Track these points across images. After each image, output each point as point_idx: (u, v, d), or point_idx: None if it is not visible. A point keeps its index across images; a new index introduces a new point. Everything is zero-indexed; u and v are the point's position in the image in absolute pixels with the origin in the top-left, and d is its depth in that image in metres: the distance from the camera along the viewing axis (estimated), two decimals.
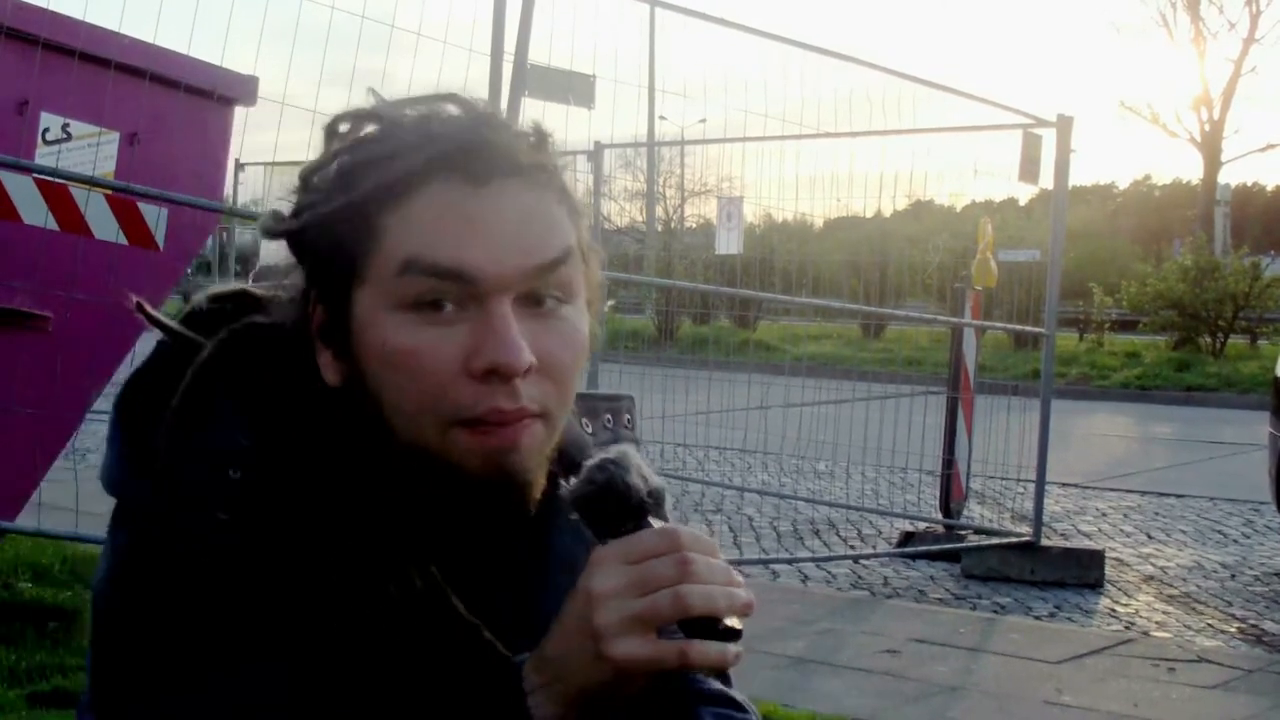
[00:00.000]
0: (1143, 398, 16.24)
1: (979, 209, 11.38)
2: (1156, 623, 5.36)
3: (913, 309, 10.91)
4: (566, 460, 1.02)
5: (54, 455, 4.34)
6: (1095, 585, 5.95)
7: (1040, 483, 6.15)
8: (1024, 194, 12.43)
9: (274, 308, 1.06)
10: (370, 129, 1.01)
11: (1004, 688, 4.19)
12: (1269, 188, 58.79)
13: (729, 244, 8.75)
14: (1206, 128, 37.19)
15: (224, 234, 10.46)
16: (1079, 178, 61.28)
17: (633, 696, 0.93)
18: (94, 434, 8.59)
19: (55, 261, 4.03)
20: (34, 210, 4.03)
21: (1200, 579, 6.19)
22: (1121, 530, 7.39)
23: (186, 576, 0.96)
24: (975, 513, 7.33)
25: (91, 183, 4.08)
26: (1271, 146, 41.44)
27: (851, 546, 6.75)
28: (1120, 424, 14.05)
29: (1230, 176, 44.04)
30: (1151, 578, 6.21)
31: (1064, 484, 8.73)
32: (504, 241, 0.96)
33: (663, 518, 0.96)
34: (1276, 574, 6.35)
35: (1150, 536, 7.22)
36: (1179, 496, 8.54)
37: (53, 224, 4.06)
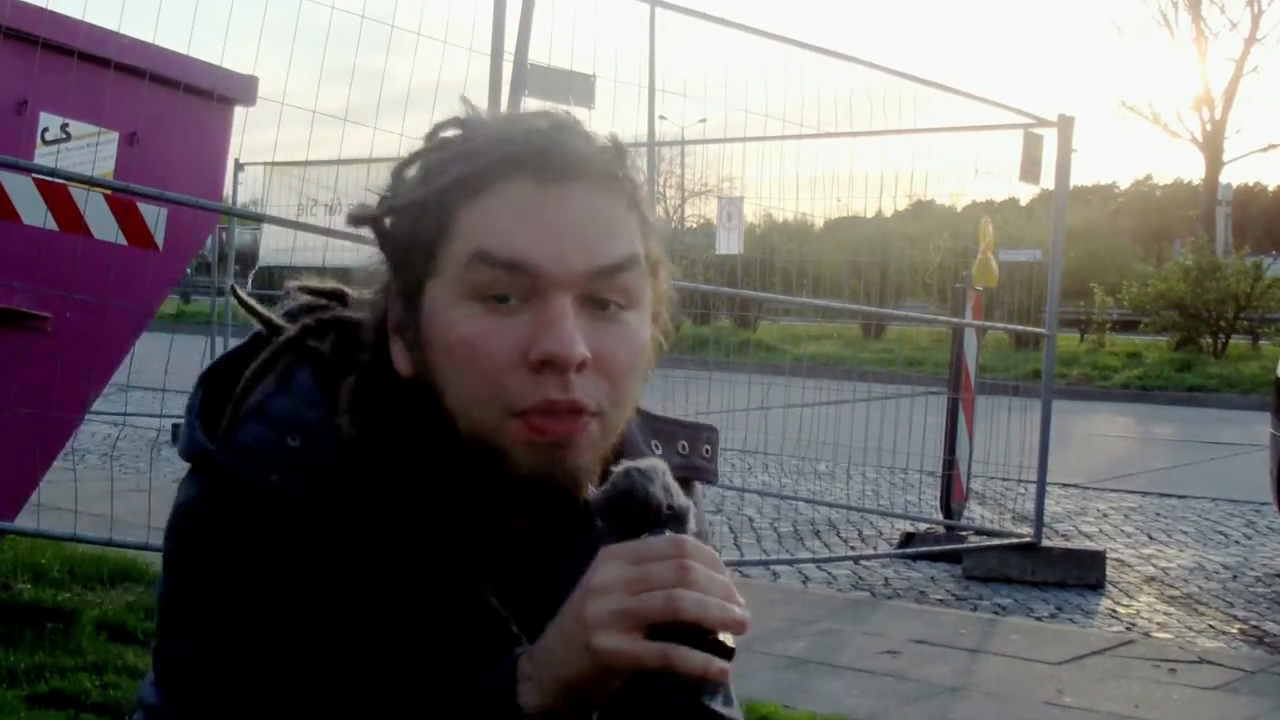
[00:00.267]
0: (1144, 398, 16.24)
1: (980, 209, 11.36)
2: (1158, 624, 5.36)
3: (913, 309, 10.91)
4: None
5: (53, 456, 4.33)
6: (1096, 586, 5.94)
7: (1041, 483, 6.14)
8: (1025, 194, 12.45)
9: (358, 305, 1.13)
10: (457, 132, 1.07)
11: (1005, 689, 4.19)
12: (1270, 188, 58.84)
13: (729, 244, 8.74)
14: (1208, 127, 37.19)
15: (223, 234, 10.45)
16: (1080, 178, 61.20)
17: (616, 694, 0.94)
18: (93, 434, 8.59)
19: (54, 261, 4.03)
20: (33, 210, 4.02)
21: (1201, 580, 6.18)
22: (1122, 531, 7.38)
23: (238, 530, 1.01)
24: (976, 513, 7.32)
25: (91, 183, 4.08)
26: (1273, 146, 41.34)
27: (852, 547, 6.75)
28: (1121, 424, 14.05)
29: (1232, 176, 44.09)
30: (1153, 579, 6.20)
31: (1065, 485, 8.73)
32: (568, 240, 1.00)
33: (683, 534, 0.96)
34: (1278, 575, 6.34)
35: (1151, 537, 7.21)
36: (1180, 497, 8.53)
37: (52, 224, 4.05)
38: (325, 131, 24.59)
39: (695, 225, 20.49)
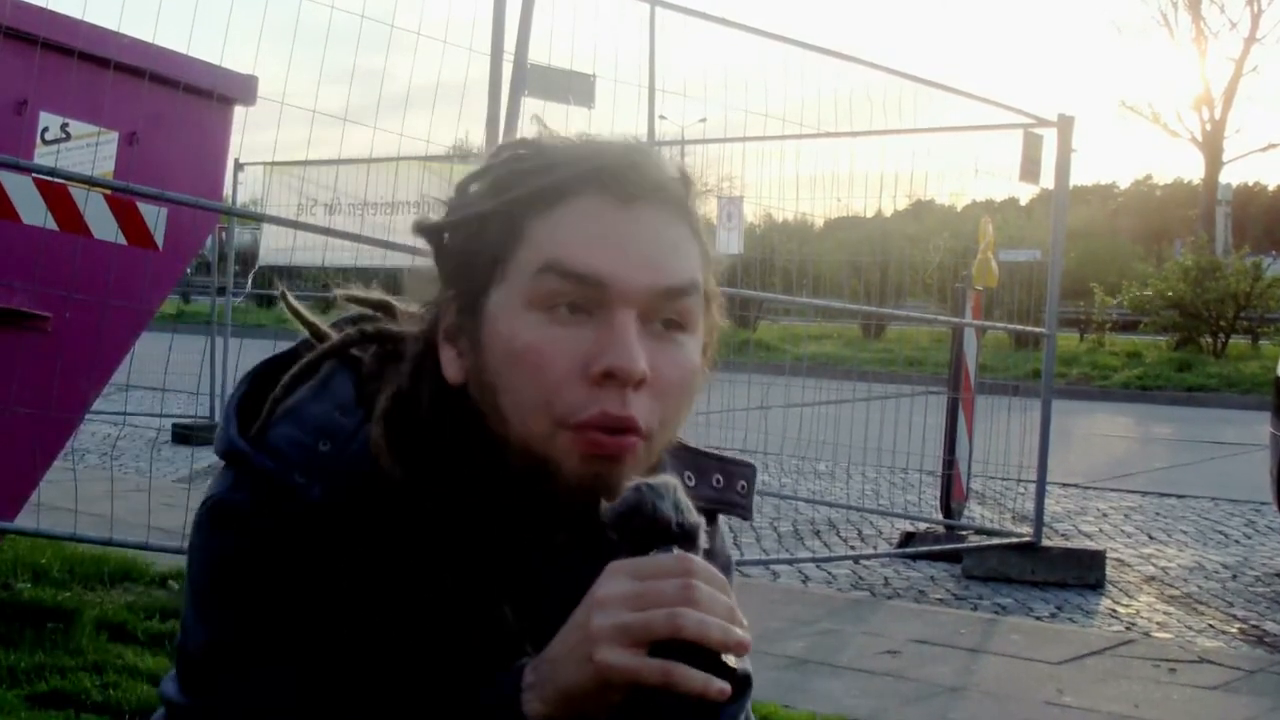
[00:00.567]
0: (1144, 398, 16.24)
1: (980, 209, 11.37)
2: (1157, 623, 5.35)
3: (913, 309, 10.90)
4: None
5: (53, 456, 4.33)
6: (1096, 586, 5.94)
7: (1041, 483, 6.14)
8: (1025, 194, 12.43)
9: (404, 318, 1.15)
10: (527, 151, 1.09)
11: (1005, 688, 4.18)
12: (1270, 187, 58.86)
13: (729, 244, 8.73)
14: (1208, 127, 37.21)
15: (223, 234, 10.45)
16: (1080, 177, 61.26)
17: (616, 708, 0.94)
18: (93, 434, 8.59)
19: (54, 261, 4.02)
20: (33, 210, 4.02)
21: (1201, 579, 6.18)
22: (1122, 531, 7.38)
23: (252, 529, 1.02)
24: (976, 513, 7.32)
25: (91, 182, 4.08)
26: (1273, 146, 41.49)
27: (852, 547, 6.75)
28: (1121, 424, 14.05)
29: (1231, 176, 44.11)
30: (1152, 578, 6.20)
31: (1065, 484, 8.73)
32: (638, 258, 1.02)
33: (693, 553, 0.97)
34: (1278, 574, 6.34)
35: (1151, 537, 7.21)
36: (1180, 497, 8.53)
37: (52, 224, 4.05)
38: (325, 131, 24.59)
39: None
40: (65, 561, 4.69)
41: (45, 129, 4.05)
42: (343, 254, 7.36)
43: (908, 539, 6.64)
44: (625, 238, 1.02)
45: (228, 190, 8.77)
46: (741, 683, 0.98)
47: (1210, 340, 19.88)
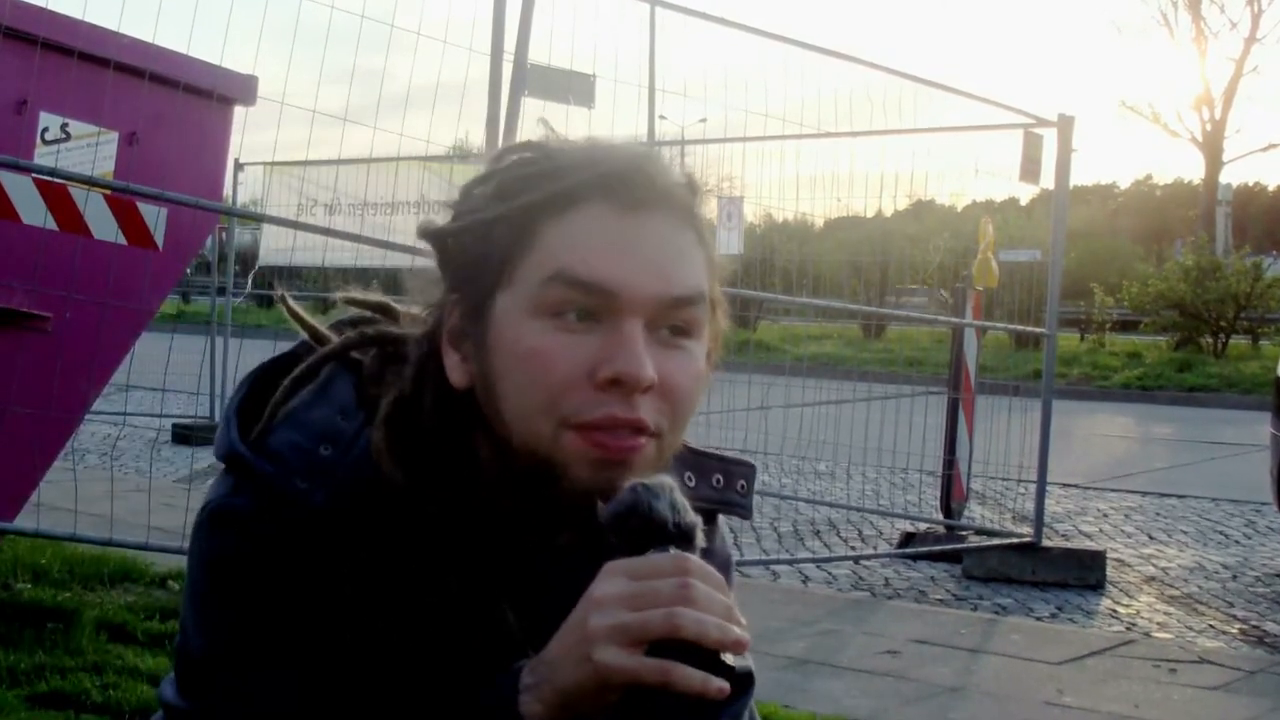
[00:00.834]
0: (1144, 398, 16.23)
1: (980, 209, 11.38)
2: (1158, 624, 5.35)
3: (913, 308, 10.90)
4: None
5: (53, 456, 4.33)
6: (1096, 586, 5.94)
7: (1041, 483, 6.14)
8: (1025, 194, 12.45)
9: (405, 321, 1.14)
10: (533, 155, 1.08)
11: (1005, 689, 4.18)
12: (1270, 187, 58.87)
13: (729, 244, 8.73)
14: (1208, 127, 37.22)
15: (223, 234, 10.45)
16: (1080, 177, 61.27)
17: (614, 709, 0.94)
18: (93, 434, 8.59)
19: (54, 261, 4.02)
20: (33, 210, 4.02)
21: (1202, 580, 6.18)
22: (1123, 531, 7.38)
23: (252, 534, 1.02)
24: (976, 513, 7.32)
25: (90, 183, 4.07)
26: (1273, 146, 41.49)
27: (852, 547, 6.74)
28: (1121, 424, 14.05)
29: (1232, 176, 44.13)
30: (1153, 578, 6.20)
31: (1065, 484, 8.72)
32: (647, 266, 1.02)
33: (690, 552, 0.97)
34: (1278, 575, 6.33)
35: (1151, 537, 7.21)
36: (1180, 497, 8.53)
37: (52, 224, 4.05)
38: (325, 131, 24.59)
39: None
40: (65, 562, 4.69)
41: (45, 129, 4.04)
42: (343, 254, 7.36)
43: (908, 539, 6.63)
44: (634, 246, 1.02)
45: (228, 190, 8.77)
46: (742, 681, 0.98)
47: (1210, 340, 19.88)
